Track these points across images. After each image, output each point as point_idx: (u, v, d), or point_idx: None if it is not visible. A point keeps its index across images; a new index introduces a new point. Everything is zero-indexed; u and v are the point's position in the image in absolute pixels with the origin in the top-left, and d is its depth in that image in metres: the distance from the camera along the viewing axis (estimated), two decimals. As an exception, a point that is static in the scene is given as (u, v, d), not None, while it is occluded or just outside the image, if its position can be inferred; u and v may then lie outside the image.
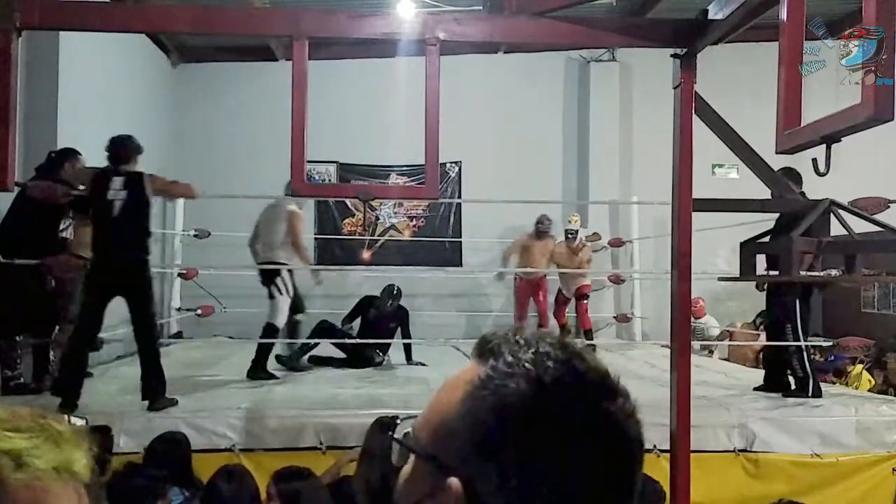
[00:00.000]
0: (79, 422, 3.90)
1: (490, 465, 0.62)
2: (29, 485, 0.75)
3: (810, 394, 5.20)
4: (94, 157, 4.93)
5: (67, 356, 4.66)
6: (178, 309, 8.61)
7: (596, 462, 0.63)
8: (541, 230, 8.22)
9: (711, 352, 8.51)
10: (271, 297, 6.02)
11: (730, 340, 8.53)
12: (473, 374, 0.67)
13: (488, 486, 0.62)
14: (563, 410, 0.63)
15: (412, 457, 0.68)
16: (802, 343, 5.29)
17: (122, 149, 4.70)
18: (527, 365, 0.65)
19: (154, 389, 4.51)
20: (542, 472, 0.62)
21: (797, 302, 5.34)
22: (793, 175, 5.32)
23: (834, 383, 6.74)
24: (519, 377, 0.64)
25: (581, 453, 0.63)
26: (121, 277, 4.59)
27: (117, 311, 4.78)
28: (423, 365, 6.57)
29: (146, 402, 4.50)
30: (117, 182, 4.60)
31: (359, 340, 6.70)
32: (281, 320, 5.99)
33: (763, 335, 8.29)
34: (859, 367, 7.02)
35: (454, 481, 0.63)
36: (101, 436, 3.51)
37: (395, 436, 0.70)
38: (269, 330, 5.95)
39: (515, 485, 0.62)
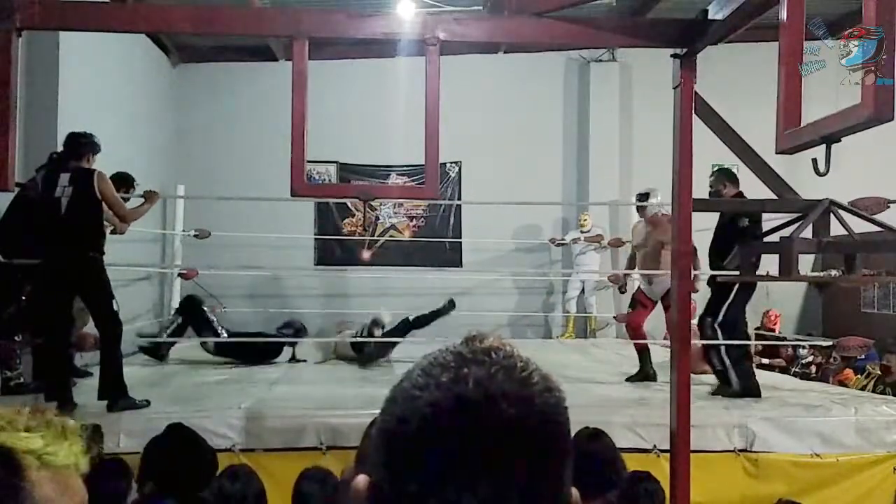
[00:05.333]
0: None
1: (388, 460, 0.70)
2: (52, 479, 0.80)
3: (739, 391, 5.18)
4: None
5: (50, 361, 4.63)
6: (179, 309, 8.60)
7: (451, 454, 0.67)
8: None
9: None
10: None
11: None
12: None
13: (389, 478, 0.69)
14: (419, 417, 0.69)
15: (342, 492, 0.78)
16: (736, 341, 5.41)
17: (75, 144, 4.60)
18: (405, 383, 0.73)
19: (110, 390, 4.40)
20: (421, 457, 0.68)
21: (725, 297, 5.38)
22: (729, 175, 5.53)
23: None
24: (410, 376, 0.73)
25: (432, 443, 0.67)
26: (72, 276, 4.46)
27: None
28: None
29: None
30: (64, 178, 4.48)
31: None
32: None
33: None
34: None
35: (360, 478, 0.71)
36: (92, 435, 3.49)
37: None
38: None
39: (406, 472, 0.68)
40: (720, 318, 5.43)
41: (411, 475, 0.67)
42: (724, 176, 5.53)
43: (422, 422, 0.68)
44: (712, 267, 5.44)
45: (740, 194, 5.43)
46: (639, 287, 6.46)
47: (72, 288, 4.52)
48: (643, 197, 6.27)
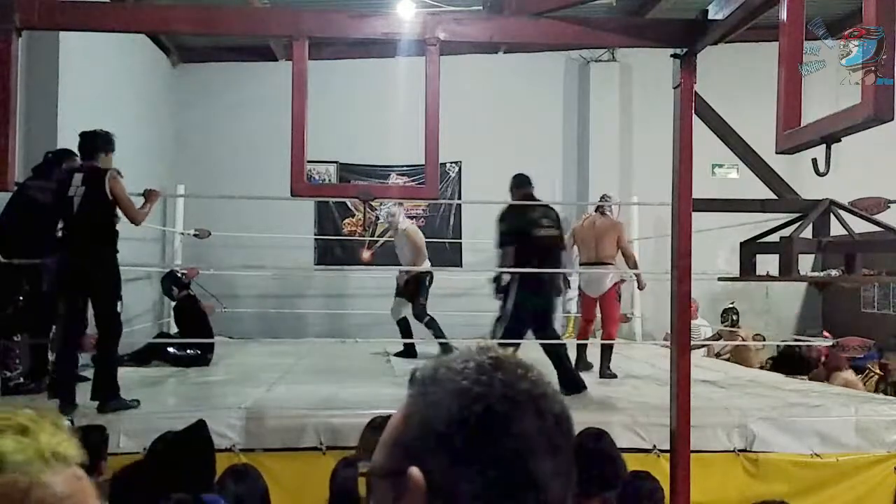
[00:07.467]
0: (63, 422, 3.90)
1: (442, 451, 0.73)
2: (14, 482, 0.73)
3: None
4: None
5: (57, 358, 4.64)
6: (179, 309, 8.60)
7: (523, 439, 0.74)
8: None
9: (718, 354, 8.49)
10: None
11: (724, 341, 8.54)
12: (407, 397, 0.80)
13: (444, 469, 0.73)
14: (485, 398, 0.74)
15: (377, 484, 0.78)
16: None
17: (87, 143, 4.60)
18: (444, 372, 0.78)
19: (102, 391, 4.39)
20: (484, 447, 0.73)
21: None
22: (515, 181, 5.91)
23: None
24: (442, 378, 0.77)
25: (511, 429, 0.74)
26: (82, 275, 4.48)
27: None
28: None
29: (150, 402, 4.47)
30: (77, 178, 4.51)
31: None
32: None
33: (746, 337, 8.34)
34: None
35: (415, 471, 0.73)
36: (96, 436, 3.51)
37: (360, 471, 0.79)
38: None
39: (467, 463, 0.72)
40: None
41: (481, 464, 0.72)
42: (512, 183, 5.92)
43: (492, 416, 0.73)
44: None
45: (527, 196, 5.80)
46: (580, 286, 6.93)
47: (83, 286, 4.53)
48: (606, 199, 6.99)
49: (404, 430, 0.77)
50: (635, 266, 6.73)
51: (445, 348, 6.95)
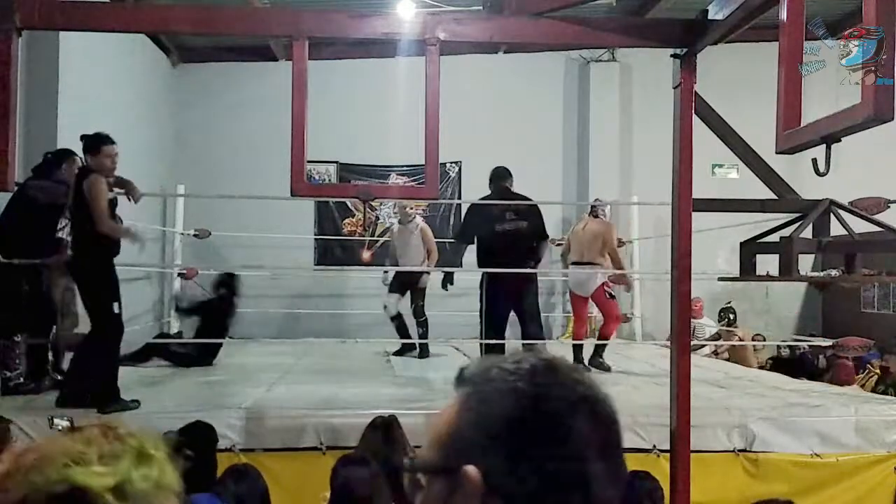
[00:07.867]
0: (62, 423, 3.89)
1: (499, 450, 0.74)
2: None
3: None
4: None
5: (80, 351, 4.66)
6: (178, 309, 8.61)
7: (578, 436, 0.75)
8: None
9: (716, 353, 8.49)
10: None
11: (723, 341, 8.55)
12: (458, 395, 0.80)
13: (501, 467, 0.73)
14: (541, 395, 0.76)
15: (423, 482, 0.78)
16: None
17: (83, 146, 4.59)
18: (497, 371, 0.78)
19: (98, 393, 4.36)
20: (542, 447, 0.74)
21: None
22: (491, 176, 6.11)
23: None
24: (496, 378, 0.78)
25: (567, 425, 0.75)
26: (74, 275, 4.58)
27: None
28: None
29: (150, 402, 4.47)
30: (73, 181, 4.58)
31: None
32: None
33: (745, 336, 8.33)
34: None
35: (471, 468, 0.73)
36: None
37: (405, 467, 0.81)
38: None
39: (524, 462, 0.73)
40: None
41: (537, 464, 0.73)
42: (489, 176, 6.10)
43: (551, 416, 0.75)
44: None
45: (503, 189, 5.97)
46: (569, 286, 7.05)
47: (80, 286, 4.57)
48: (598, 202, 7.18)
49: (457, 428, 0.77)
50: (620, 268, 6.75)
51: (424, 349, 7.16)
